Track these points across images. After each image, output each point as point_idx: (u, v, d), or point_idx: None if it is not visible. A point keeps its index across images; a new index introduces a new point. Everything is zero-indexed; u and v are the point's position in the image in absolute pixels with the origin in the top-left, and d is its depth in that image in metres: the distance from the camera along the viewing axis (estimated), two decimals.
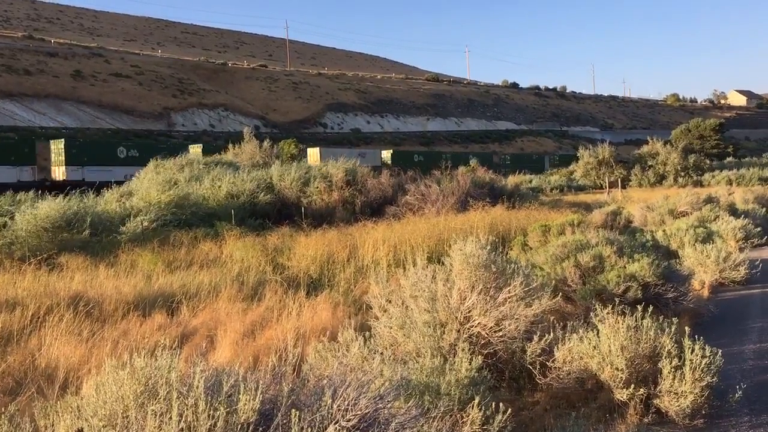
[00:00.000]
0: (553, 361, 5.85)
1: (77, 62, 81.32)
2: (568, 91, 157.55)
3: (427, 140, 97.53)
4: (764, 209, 24.63)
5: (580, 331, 6.06)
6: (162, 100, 79.92)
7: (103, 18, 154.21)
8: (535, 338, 5.86)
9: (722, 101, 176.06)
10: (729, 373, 6.41)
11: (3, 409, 3.65)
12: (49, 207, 15.92)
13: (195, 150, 45.79)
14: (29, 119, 63.08)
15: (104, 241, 15.83)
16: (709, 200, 23.95)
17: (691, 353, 5.48)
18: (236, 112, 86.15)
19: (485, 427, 4.63)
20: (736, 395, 5.54)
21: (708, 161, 62.83)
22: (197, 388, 3.15)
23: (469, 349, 5.46)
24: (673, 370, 5.46)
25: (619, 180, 51.74)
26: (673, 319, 6.02)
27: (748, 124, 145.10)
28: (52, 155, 40.98)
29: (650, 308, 6.08)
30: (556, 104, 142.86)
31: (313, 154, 50.64)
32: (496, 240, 6.92)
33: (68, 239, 15.30)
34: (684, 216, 20.77)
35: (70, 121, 66.31)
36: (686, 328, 5.78)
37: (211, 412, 3.08)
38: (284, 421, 3.21)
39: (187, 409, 3.07)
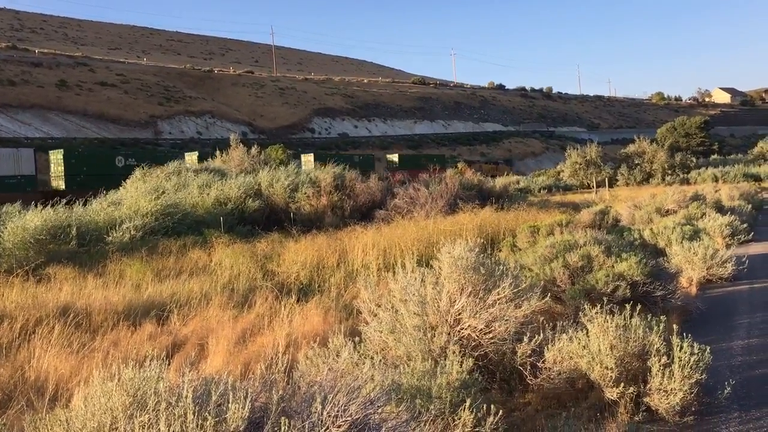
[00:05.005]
0: (543, 362, 5.87)
1: (62, 72, 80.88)
2: (554, 91, 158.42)
3: (414, 143, 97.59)
4: (750, 206, 24.86)
5: (570, 331, 6.09)
6: (148, 108, 79.55)
7: (88, 27, 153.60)
8: (525, 339, 5.88)
9: (707, 99, 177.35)
10: (718, 370, 6.45)
11: None
12: (36, 218, 15.78)
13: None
14: (14, 130, 62.61)
15: (92, 251, 15.72)
16: (696, 198, 24.11)
17: (680, 351, 5.52)
18: (223, 118, 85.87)
19: (477, 429, 4.64)
20: (726, 391, 5.58)
21: (694, 159, 63.31)
22: (186, 398, 3.15)
23: (460, 352, 5.47)
24: (662, 367, 5.49)
25: (607, 179, 52.01)
26: (662, 317, 6.06)
27: (732, 121, 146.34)
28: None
29: (639, 307, 6.13)
30: (543, 105, 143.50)
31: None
32: (485, 242, 6.95)
33: (55, 250, 15.19)
34: (671, 214, 20.90)
35: (56, 131, 65.88)
36: (675, 325, 5.83)
37: (200, 421, 3.08)
38: (274, 429, 3.20)
39: (175, 419, 3.06)
